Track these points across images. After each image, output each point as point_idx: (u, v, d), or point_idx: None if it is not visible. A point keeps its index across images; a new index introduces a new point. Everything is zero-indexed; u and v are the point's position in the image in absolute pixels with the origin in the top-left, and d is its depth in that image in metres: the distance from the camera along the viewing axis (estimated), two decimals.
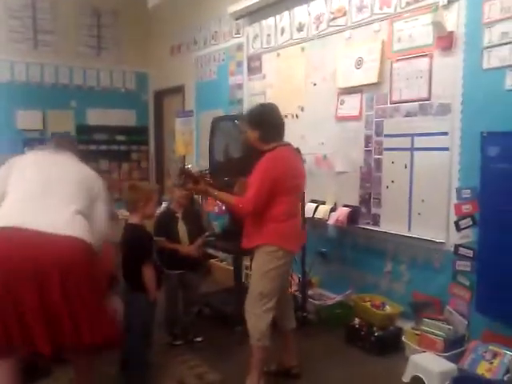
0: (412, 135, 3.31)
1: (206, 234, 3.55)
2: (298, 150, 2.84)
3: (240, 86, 5.04)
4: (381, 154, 3.54)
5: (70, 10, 6.32)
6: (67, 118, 6.39)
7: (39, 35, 6.18)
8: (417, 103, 3.27)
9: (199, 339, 3.41)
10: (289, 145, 2.79)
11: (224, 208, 3.39)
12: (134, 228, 2.80)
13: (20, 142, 5.93)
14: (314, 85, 4.07)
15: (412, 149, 3.32)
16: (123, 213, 5.13)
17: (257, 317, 2.67)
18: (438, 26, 3.07)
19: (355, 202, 3.73)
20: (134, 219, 2.82)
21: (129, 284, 2.79)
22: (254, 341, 2.69)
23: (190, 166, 2.59)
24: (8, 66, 6.01)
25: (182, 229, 3.31)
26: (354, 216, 3.70)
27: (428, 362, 2.80)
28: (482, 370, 2.66)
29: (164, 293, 3.34)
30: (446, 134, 3.12)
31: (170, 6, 6.01)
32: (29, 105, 6.07)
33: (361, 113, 3.67)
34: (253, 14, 4.70)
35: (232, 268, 4.55)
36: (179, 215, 3.34)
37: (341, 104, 3.83)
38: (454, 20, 3.04)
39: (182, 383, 2.90)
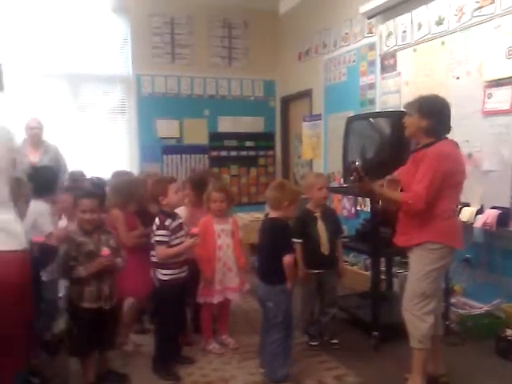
0: None
1: (344, 234, 3.48)
2: (457, 145, 2.66)
3: (372, 86, 4.92)
4: None
5: (203, 24, 6.67)
6: (201, 126, 6.73)
7: (176, 49, 6.61)
8: None
9: (335, 341, 3.35)
10: (448, 139, 2.63)
11: (379, 206, 3.22)
12: (274, 220, 2.83)
13: (159, 149, 6.38)
14: (457, 79, 3.83)
15: None
16: (254, 215, 5.31)
17: (418, 319, 2.56)
18: None
19: (505, 203, 3.42)
20: (275, 215, 2.84)
21: (266, 279, 2.81)
22: (415, 343, 2.58)
23: (358, 163, 2.50)
24: (149, 79, 6.49)
25: (321, 228, 3.28)
26: (504, 218, 3.39)
27: None
28: None
29: (302, 292, 3.34)
30: None
31: (299, 11, 6.10)
32: (167, 114, 6.50)
33: None
34: (386, 12, 4.58)
35: (363, 272, 4.48)
36: (318, 215, 3.31)
37: (488, 98, 3.56)
38: None
39: (321, 383, 2.86)
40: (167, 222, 2.94)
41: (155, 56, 6.50)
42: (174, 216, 3.04)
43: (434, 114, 2.55)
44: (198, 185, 3.44)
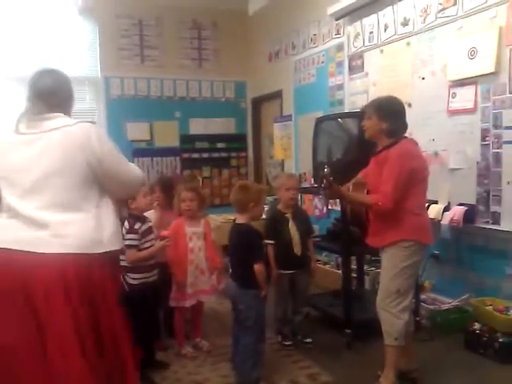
0: None
1: (314, 234, 3.50)
2: (416, 143, 2.73)
3: (340, 87, 4.98)
4: (500, 147, 3.30)
5: (172, 25, 6.61)
6: (172, 128, 6.67)
7: (145, 51, 6.54)
8: None
9: (309, 340, 3.37)
10: (408, 138, 2.70)
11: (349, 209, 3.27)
12: (242, 226, 2.82)
13: (129, 152, 6.28)
14: (423, 79, 3.90)
15: None
16: (225, 217, 5.29)
17: (394, 316, 2.59)
18: None
19: (471, 200, 3.50)
20: (242, 219, 2.84)
21: (239, 282, 2.81)
22: (390, 340, 2.61)
23: (326, 170, 2.52)
24: (118, 81, 6.41)
25: (293, 229, 3.29)
26: (470, 215, 3.47)
27: None
28: None
29: (274, 292, 3.36)
30: None
31: (268, 12, 6.12)
32: (137, 117, 6.42)
33: (476, 105, 3.45)
34: (353, 13, 4.63)
35: (335, 271, 4.53)
36: (289, 215, 3.33)
37: (452, 97, 3.64)
38: None
39: (294, 383, 2.87)
40: (136, 226, 2.91)
41: (124, 58, 6.42)
42: (143, 219, 3.01)
43: (392, 115, 2.62)
44: (167, 187, 3.43)
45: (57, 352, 1.80)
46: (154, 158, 6.53)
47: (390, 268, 2.60)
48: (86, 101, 6.22)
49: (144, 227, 2.97)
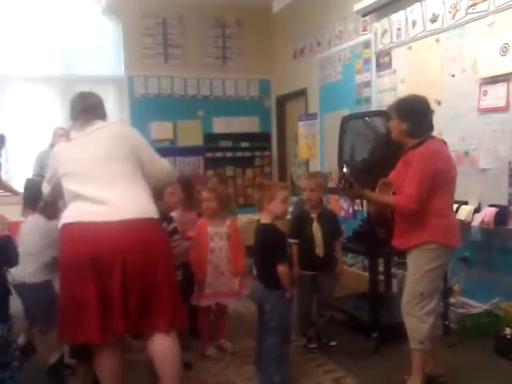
0: None
1: (343, 236, 3.44)
2: (444, 143, 2.65)
3: (367, 84, 4.89)
4: None
5: (196, 24, 6.62)
6: (195, 127, 6.67)
7: (169, 50, 6.56)
8: None
9: (333, 343, 3.32)
10: (435, 137, 2.62)
11: (369, 210, 3.23)
12: (265, 227, 2.78)
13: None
14: (452, 76, 3.80)
15: None
16: (250, 217, 5.27)
17: (418, 319, 2.54)
18: None
19: (503, 201, 3.39)
20: (265, 219, 2.80)
21: (264, 283, 2.78)
22: (415, 344, 2.56)
23: (346, 170, 2.49)
24: (142, 81, 6.44)
25: (316, 230, 3.25)
26: (501, 216, 3.36)
27: None
28: None
29: (297, 294, 3.31)
30: None
31: (293, 9, 6.05)
32: (160, 116, 6.45)
33: (508, 103, 3.34)
34: (381, 9, 4.55)
35: (362, 273, 4.46)
36: (314, 216, 3.28)
37: (483, 95, 3.53)
38: None
39: None
40: (164, 225, 2.91)
41: (147, 57, 6.45)
42: (170, 219, 3.01)
43: (412, 115, 2.56)
44: (187, 186, 3.42)
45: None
46: (178, 158, 6.54)
47: (415, 271, 2.56)
48: (110, 100, 6.26)
49: (171, 227, 2.97)
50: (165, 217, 2.94)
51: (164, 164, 2.63)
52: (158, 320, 2.29)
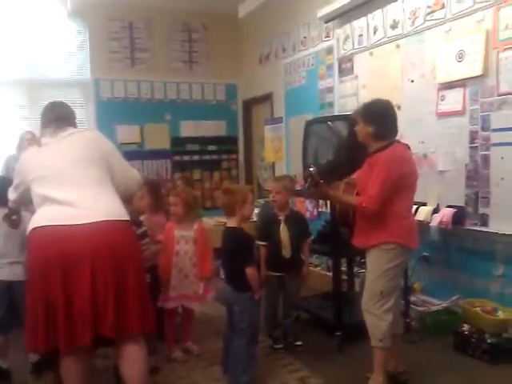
0: None
1: (311, 238, 3.50)
2: (408, 147, 2.74)
3: (330, 89, 4.99)
4: (488, 149, 3.32)
5: (163, 28, 6.62)
6: (163, 131, 6.66)
7: (136, 53, 6.53)
8: None
9: (299, 343, 3.37)
10: (400, 142, 2.71)
11: (332, 210, 3.31)
12: (233, 231, 2.82)
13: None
14: (412, 82, 3.92)
15: None
16: (217, 219, 5.28)
17: (377, 317, 2.61)
18: None
19: (460, 201, 3.52)
20: (232, 223, 2.84)
21: (233, 285, 2.81)
22: (375, 342, 2.63)
23: (312, 169, 2.54)
24: (109, 84, 6.40)
25: (284, 232, 3.30)
26: (459, 217, 3.49)
27: None
28: None
29: (264, 295, 3.35)
30: None
31: (259, 15, 6.13)
32: (127, 120, 6.41)
33: (464, 107, 3.48)
34: (343, 16, 4.65)
35: (326, 273, 4.53)
36: (282, 218, 3.33)
37: (441, 100, 3.66)
38: None
39: None
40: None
41: (114, 60, 6.41)
42: (139, 223, 3.01)
43: (377, 119, 2.64)
44: (154, 190, 3.43)
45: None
46: (145, 161, 6.52)
47: (374, 270, 2.63)
48: (76, 103, 6.18)
49: (140, 230, 2.98)
50: (134, 221, 2.94)
51: (134, 173, 2.67)
52: (127, 324, 2.27)
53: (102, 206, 2.30)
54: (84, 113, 6.27)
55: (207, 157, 6.93)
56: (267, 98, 6.29)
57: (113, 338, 2.30)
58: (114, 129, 6.30)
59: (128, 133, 6.43)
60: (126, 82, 6.49)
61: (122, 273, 2.25)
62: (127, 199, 2.72)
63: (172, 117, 6.71)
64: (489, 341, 3.03)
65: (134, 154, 6.34)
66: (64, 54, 6.14)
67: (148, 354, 3.09)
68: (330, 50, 4.98)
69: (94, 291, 2.18)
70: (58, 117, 2.49)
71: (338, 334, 3.28)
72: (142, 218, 3.24)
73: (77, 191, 2.29)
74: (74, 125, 2.57)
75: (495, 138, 3.28)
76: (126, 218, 2.39)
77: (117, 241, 2.27)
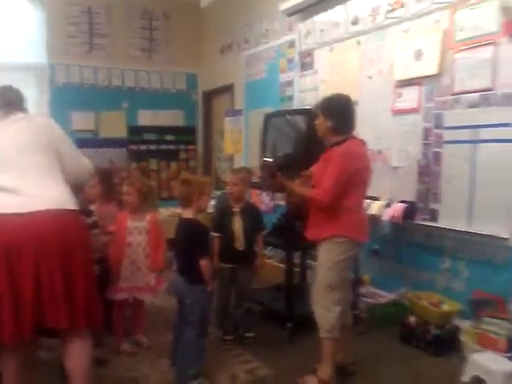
0: (475, 127, 3.16)
1: (265, 230, 3.49)
2: (364, 143, 2.77)
3: (291, 83, 4.99)
4: (440, 147, 3.40)
5: (122, 14, 6.43)
6: (119, 119, 6.50)
7: (94, 39, 6.34)
8: (480, 93, 3.13)
9: (250, 335, 3.37)
10: (356, 137, 2.73)
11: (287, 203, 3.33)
12: (189, 222, 2.78)
13: (74, 142, 6.06)
14: (370, 78, 3.97)
15: (475, 141, 3.17)
16: (173, 210, 5.21)
17: (326, 309, 2.63)
18: (505, 11, 2.93)
19: (412, 197, 3.60)
20: (188, 214, 2.79)
21: (186, 277, 2.76)
22: (324, 333, 2.65)
23: (268, 160, 2.52)
24: (64, 69, 6.18)
25: (238, 224, 3.28)
26: (410, 212, 3.57)
27: (490, 362, 2.66)
28: None
29: (216, 286, 3.32)
30: (511, 125, 2.96)
31: (221, 5, 6.05)
32: (83, 106, 6.22)
33: (419, 105, 3.55)
34: (305, 10, 4.65)
35: (280, 265, 4.54)
36: (236, 210, 3.31)
37: (398, 97, 3.72)
38: None
39: (233, 378, 2.86)
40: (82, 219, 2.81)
41: (71, 45, 6.19)
42: (88, 213, 2.92)
43: (336, 113, 2.66)
44: (106, 179, 3.34)
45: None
46: (100, 149, 6.34)
47: (324, 262, 2.66)
48: (30, 88, 5.94)
49: (90, 220, 2.90)
50: (84, 210, 2.85)
51: (84, 162, 2.63)
52: (73, 318, 2.20)
53: (50, 195, 2.23)
54: (38, 98, 6.02)
55: (164, 147, 6.80)
56: (228, 89, 6.23)
57: (57, 331, 2.24)
58: (69, 115, 6.10)
59: (83, 120, 6.24)
60: (82, 68, 6.28)
61: (68, 264, 2.18)
62: (77, 188, 2.64)
63: (129, 105, 6.55)
64: (433, 332, 3.12)
65: (88, 141, 6.18)
66: (19, 38, 5.87)
67: (95, 346, 3.04)
68: (291, 44, 4.97)
69: (38, 282, 2.11)
70: (7, 101, 2.44)
71: (288, 325, 3.30)
72: (92, 207, 3.15)
73: (23, 179, 2.22)
74: (23, 110, 2.50)
75: (448, 135, 3.36)
76: (74, 207, 2.32)
77: (63, 230, 2.19)
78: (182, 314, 2.77)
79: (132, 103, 6.56)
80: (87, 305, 2.25)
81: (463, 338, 3.04)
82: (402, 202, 3.64)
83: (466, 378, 2.74)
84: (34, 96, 5.92)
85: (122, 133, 6.52)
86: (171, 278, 2.99)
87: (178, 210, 4.89)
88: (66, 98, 6.12)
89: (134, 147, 6.60)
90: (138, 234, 3.16)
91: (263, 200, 5.38)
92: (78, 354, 2.32)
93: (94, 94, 6.33)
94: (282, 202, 4.39)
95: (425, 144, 3.51)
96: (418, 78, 3.55)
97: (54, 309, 2.14)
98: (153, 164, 6.73)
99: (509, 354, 2.73)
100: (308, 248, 3.75)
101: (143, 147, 6.66)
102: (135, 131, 6.60)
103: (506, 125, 2.99)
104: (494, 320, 2.92)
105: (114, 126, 6.46)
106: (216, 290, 3.32)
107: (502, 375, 2.55)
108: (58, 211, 2.20)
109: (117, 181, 3.78)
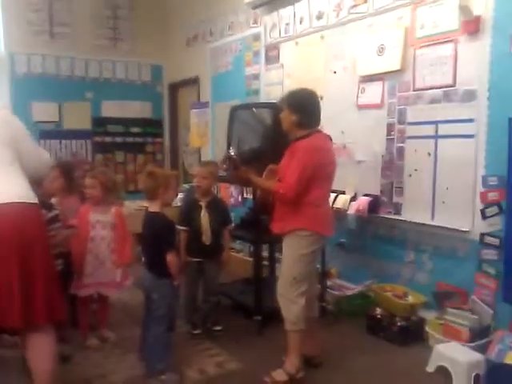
0: (436, 122, 3.26)
1: (232, 224, 3.50)
2: (329, 138, 2.81)
3: (256, 77, 5.00)
4: (403, 142, 3.49)
5: (86, 2, 6.29)
6: (83, 110, 6.37)
7: (56, 27, 6.17)
8: (441, 90, 3.21)
9: (218, 328, 3.39)
10: (321, 132, 2.76)
11: (254, 196, 3.34)
12: (155, 216, 2.77)
13: (36, 134, 5.92)
14: (334, 73, 4.02)
15: (436, 136, 3.26)
16: (140, 204, 5.16)
17: (291, 301, 2.66)
18: (464, 10, 3.01)
19: (376, 191, 3.68)
20: (154, 207, 2.78)
21: (153, 272, 2.76)
22: (289, 325, 2.69)
23: (232, 153, 2.52)
24: (24, 58, 6.01)
25: (204, 217, 3.27)
26: (374, 205, 3.65)
27: (454, 352, 2.76)
28: (510, 360, 2.60)
29: (183, 281, 3.32)
30: (471, 120, 3.06)
31: None
32: (45, 97, 6.07)
33: (382, 101, 3.62)
34: (270, 3, 4.65)
35: (248, 259, 4.57)
36: (203, 204, 3.31)
37: (361, 92, 3.78)
38: (482, 4, 2.97)
39: (202, 372, 2.87)
40: (42, 213, 2.76)
41: (31, 34, 6.01)
42: (49, 206, 2.86)
43: (301, 107, 2.68)
44: (67, 172, 3.29)
45: None
46: (63, 141, 6.21)
47: (289, 255, 2.69)
48: None
49: (50, 214, 2.84)
50: (44, 204, 2.80)
51: (44, 156, 2.63)
52: (34, 314, 2.17)
53: (8, 188, 2.20)
54: None
55: (131, 139, 6.71)
56: (194, 81, 6.19)
57: (18, 329, 2.20)
58: (30, 106, 5.94)
59: (45, 111, 6.09)
60: (44, 57, 6.12)
61: (27, 259, 2.15)
62: (36, 182, 2.60)
63: (94, 95, 6.43)
64: (399, 324, 3.20)
65: (51, 133, 6.05)
66: None
67: (59, 341, 3.00)
68: (257, 37, 4.97)
69: None
70: None
71: (257, 318, 3.33)
72: (53, 201, 3.10)
73: None
74: None
75: (410, 131, 3.44)
76: (34, 200, 2.29)
77: (22, 224, 2.16)
78: (149, 309, 2.77)
79: (96, 94, 6.45)
80: (47, 301, 2.21)
81: (428, 328, 3.14)
82: (367, 195, 3.72)
83: (431, 368, 2.84)
84: None
85: (86, 124, 6.40)
86: (139, 273, 2.98)
87: (145, 204, 4.87)
88: (28, 89, 5.97)
89: (98, 139, 6.49)
90: (102, 228, 3.12)
91: (232, 194, 5.39)
92: (40, 350, 2.29)
93: (57, 84, 6.19)
94: (250, 196, 4.41)
95: (388, 139, 3.59)
96: (380, 73, 3.61)
97: (10, 308, 2.11)
98: (119, 156, 6.64)
99: (472, 344, 2.83)
100: (275, 241, 3.79)
101: (108, 139, 6.56)
102: (100, 122, 6.49)
103: (465, 120, 3.08)
104: (457, 311, 3.01)
105: (78, 117, 6.34)
106: (183, 284, 3.33)
107: (466, 365, 2.64)
108: (18, 204, 2.18)
109: (79, 173, 3.71)
